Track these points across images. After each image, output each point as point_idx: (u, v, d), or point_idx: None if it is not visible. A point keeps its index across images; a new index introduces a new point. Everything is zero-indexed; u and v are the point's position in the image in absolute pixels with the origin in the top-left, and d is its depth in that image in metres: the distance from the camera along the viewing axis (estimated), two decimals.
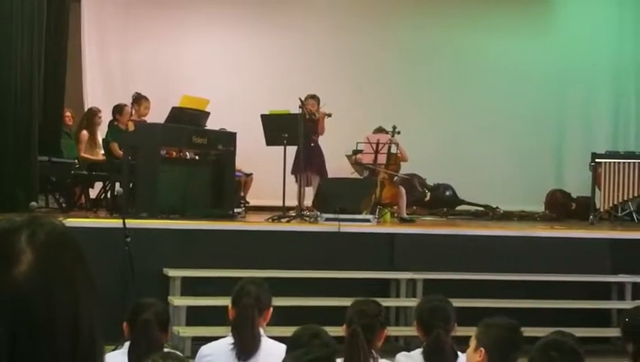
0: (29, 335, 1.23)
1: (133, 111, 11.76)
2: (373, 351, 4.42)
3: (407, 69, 15.55)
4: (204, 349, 4.74)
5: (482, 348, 4.13)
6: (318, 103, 11.93)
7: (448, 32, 15.64)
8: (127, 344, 4.41)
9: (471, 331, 4.28)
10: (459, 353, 4.51)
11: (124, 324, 4.49)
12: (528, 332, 8.26)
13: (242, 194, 12.96)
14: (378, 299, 5.08)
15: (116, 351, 4.46)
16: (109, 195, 11.45)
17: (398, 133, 12.19)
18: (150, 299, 4.70)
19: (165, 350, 4.11)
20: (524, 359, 3.72)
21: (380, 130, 12.40)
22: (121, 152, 11.22)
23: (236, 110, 13.36)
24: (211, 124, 11.45)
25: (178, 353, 3.91)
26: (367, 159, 12.03)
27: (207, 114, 11.28)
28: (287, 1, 15.28)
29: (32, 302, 1.23)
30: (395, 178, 12.38)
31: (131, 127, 11.57)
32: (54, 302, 1.25)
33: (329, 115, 11.83)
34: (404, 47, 15.55)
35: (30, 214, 1.33)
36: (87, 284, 1.31)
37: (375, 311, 4.68)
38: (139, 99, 11.88)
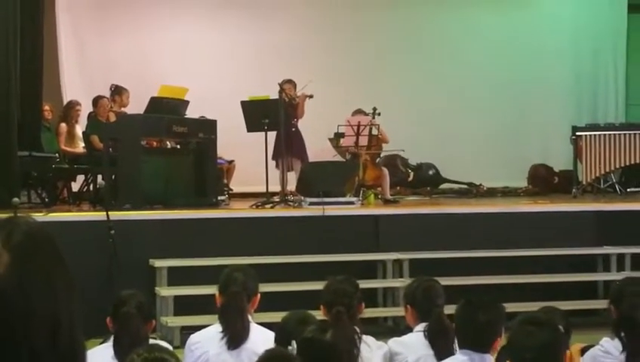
0: (8, 335, 1.22)
1: (113, 104, 11.68)
2: (356, 328, 4.44)
3: (386, 49, 15.51)
4: (194, 337, 4.75)
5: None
6: (295, 87, 11.91)
7: (427, 9, 15.62)
8: (112, 337, 4.40)
9: None
10: None
11: (108, 318, 4.48)
12: (516, 307, 8.30)
13: (225, 181, 12.93)
14: (365, 281, 5.10)
15: (101, 346, 4.46)
16: (91, 188, 11.41)
17: (379, 114, 12.18)
18: (131, 290, 4.69)
19: (152, 341, 4.11)
20: (505, 335, 3.72)
21: (358, 111, 12.38)
22: (101, 144, 11.19)
23: (215, 97, 13.31)
24: (190, 112, 11.42)
25: (164, 344, 3.90)
26: (348, 142, 12.02)
27: (187, 102, 11.25)
28: None
29: (9, 303, 1.23)
30: (378, 159, 12.40)
31: (113, 118, 11.53)
32: (32, 302, 1.24)
33: (310, 97, 11.79)
34: (382, 26, 15.51)
35: (6, 216, 1.31)
36: (65, 283, 1.30)
37: (352, 288, 4.70)
38: (119, 89, 11.82)
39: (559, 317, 4.40)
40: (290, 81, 11.85)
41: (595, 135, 12.69)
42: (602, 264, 10.16)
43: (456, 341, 4.28)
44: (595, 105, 16.12)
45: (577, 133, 12.82)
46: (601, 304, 9.22)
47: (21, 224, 1.30)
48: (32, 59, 11.26)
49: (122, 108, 11.76)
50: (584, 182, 12.98)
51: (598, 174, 12.93)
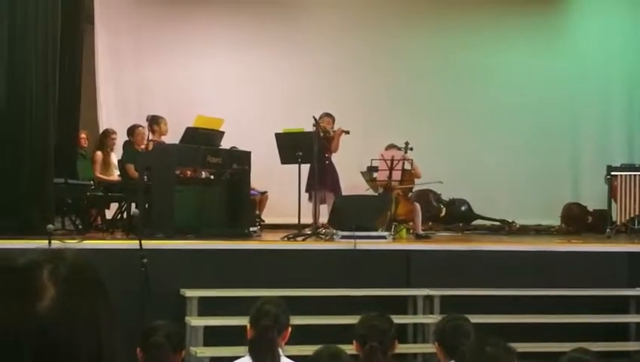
0: None
1: (151, 135, 11.65)
2: None
3: (421, 85, 15.56)
4: None
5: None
6: (334, 121, 11.94)
7: (460, 47, 15.65)
8: None
9: None
10: None
11: (137, 350, 4.47)
12: (547, 347, 8.24)
13: (257, 212, 12.96)
14: (395, 316, 5.08)
15: None
16: (124, 216, 11.47)
17: (411, 149, 12.18)
18: (161, 321, 4.70)
19: None
20: None
21: (391, 146, 12.39)
22: (136, 173, 11.26)
23: (249, 129, 13.40)
24: (224, 143, 11.48)
25: None
26: (381, 176, 12.03)
27: (222, 133, 11.32)
28: (299, 20, 15.33)
29: (55, 337, 1.25)
30: (410, 194, 12.40)
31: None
32: (77, 336, 1.26)
33: (347, 132, 11.81)
34: (417, 63, 15.57)
35: (52, 248, 1.33)
36: (109, 317, 1.32)
37: (386, 325, 4.70)
38: (156, 118, 11.80)
39: (591, 359, 4.37)
40: (329, 115, 11.91)
41: (630, 175, 12.61)
42: (635, 306, 10.05)
43: None
44: (630, 145, 16.04)
45: (612, 173, 12.75)
46: (633, 346, 9.14)
47: (67, 257, 1.32)
48: (70, 88, 11.40)
49: (162, 137, 11.77)
50: (618, 223, 12.88)
51: (632, 214, 12.83)
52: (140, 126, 12.08)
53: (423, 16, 15.70)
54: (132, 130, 12.12)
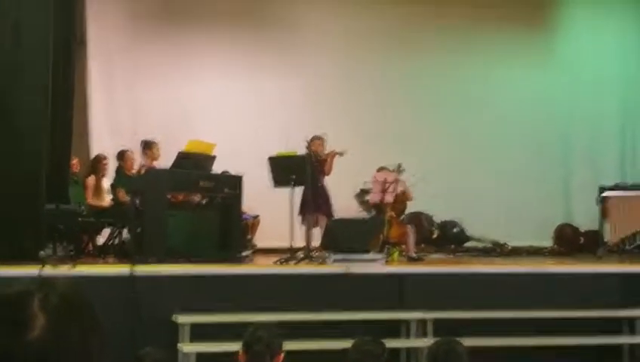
0: None
1: (143, 159, 11.64)
2: None
3: (412, 107, 15.59)
4: None
5: None
6: (324, 143, 11.95)
7: (452, 68, 15.69)
8: None
9: None
10: None
11: None
12: None
13: (250, 236, 12.95)
14: (388, 340, 5.08)
15: None
16: (116, 241, 11.44)
17: (403, 170, 12.19)
18: (150, 347, 4.69)
19: None
20: None
21: (383, 168, 12.40)
22: (127, 198, 11.25)
23: (242, 152, 13.39)
24: (216, 166, 11.48)
25: None
26: (374, 198, 12.03)
27: (214, 158, 11.32)
28: (291, 44, 15.35)
29: None
30: (403, 216, 12.39)
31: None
32: None
33: (341, 154, 11.82)
34: (408, 84, 15.60)
35: (42, 277, 1.34)
36: (99, 345, 1.32)
37: (379, 350, 4.70)
38: (149, 143, 11.81)
39: None
40: (319, 138, 11.92)
41: (622, 195, 12.63)
42: (628, 327, 10.04)
43: None
44: (622, 165, 16.07)
45: (604, 194, 12.76)
46: None
47: (57, 286, 1.32)
48: (62, 113, 11.38)
49: (154, 162, 11.77)
50: (610, 243, 12.88)
51: (624, 235, 12.84)
52: (129, 151, 12.09)
53: (415, 39, 15.73)
54: (122, 155, 12.14)
